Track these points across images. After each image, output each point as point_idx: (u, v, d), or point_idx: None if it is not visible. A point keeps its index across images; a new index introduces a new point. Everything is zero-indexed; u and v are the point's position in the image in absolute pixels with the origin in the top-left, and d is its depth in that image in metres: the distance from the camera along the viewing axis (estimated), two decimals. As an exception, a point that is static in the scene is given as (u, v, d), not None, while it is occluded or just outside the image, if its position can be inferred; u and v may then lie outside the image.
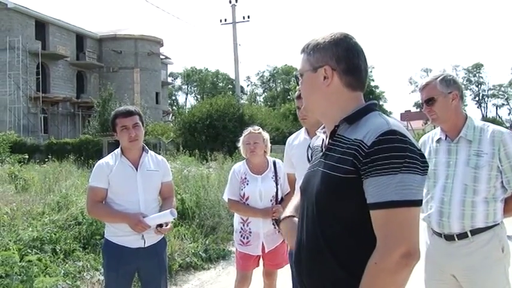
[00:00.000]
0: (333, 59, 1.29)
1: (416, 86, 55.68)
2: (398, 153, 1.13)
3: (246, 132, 3.19)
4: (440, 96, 2.17)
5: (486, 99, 59.25)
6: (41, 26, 30.24)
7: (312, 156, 1.47)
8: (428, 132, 2.54)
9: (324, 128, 1.39)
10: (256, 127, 3.25)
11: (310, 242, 1.28)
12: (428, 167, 1.20)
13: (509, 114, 58.94)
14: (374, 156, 1.14)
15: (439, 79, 2.20)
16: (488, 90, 58.92)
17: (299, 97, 2.74)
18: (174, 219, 2.71)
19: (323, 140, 1.38)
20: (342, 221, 1.21)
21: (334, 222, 1.22)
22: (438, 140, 2.27)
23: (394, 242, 1.11)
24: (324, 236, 1.24)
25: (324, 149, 1.34)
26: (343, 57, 1.29)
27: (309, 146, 2.30)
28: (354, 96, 1.31)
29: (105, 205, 2.64)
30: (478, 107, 57.80)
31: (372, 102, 1.33)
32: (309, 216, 1.29)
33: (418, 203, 1.14)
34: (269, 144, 3.21)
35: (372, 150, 1.15)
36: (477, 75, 57.53)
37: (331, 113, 1.31)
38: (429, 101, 2.19)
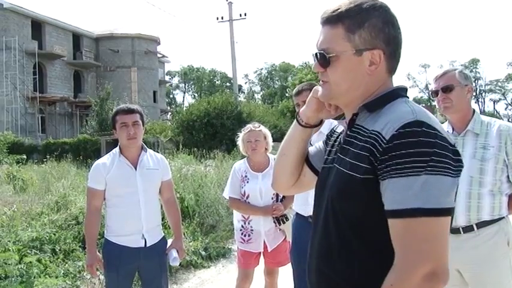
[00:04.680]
0: (385, 41, 1.05)
1: (415, 81, 55.87)
2: (423, 149, 0.92)
3: (246, 129, 3.16)
4: (458, 86, 2.20)
5: (483, 94, 59.50)
6: (38, 26, 30.12)
7: (326, 144, 1.27)
8: None
9: (343, 117, 1.18)
10: (257, 124, 3.22)
11: (322, 246, 1.11)
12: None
13: (506, 108, 59.28)
14: (393, 152, 0.93)
15: (457, 71, 2.25)
16: (485, 85, 59.14)
17: (299, 93, 2.70)
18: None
19: (343, 130, 1.17)
20: (360, 231, 1.02)
21: (349, 229, 1.03)
22: None
23: (416, 260, 0.90)
24: (337, 243, 1.06)
25: (341, 142, 1.13)
26: (394, 38, 1.07)
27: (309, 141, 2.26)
28: (389, 82, 1.10)
29: (95, 222, 2.67)
30: (475, 102, 58.13)
31: (400, 87, 1.10)
32: (321, 219, 1.12)
33: (446, 211, 0.92)
34: (270, 141, 3.19)
35: (390, 146, 0.94)
36: (474, 70, 57.74)
37: (360, 101, 1.09)
38: (447, 89, 2.21)
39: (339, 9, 1.06)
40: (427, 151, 0.92)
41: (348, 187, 1.02)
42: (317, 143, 1.35)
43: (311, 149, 1.32)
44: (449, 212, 0.94)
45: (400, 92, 1.08)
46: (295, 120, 1.28)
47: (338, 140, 1.18)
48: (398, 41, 1.08)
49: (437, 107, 2.34)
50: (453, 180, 0.95)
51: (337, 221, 1.05)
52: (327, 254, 1.09)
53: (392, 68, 1.10)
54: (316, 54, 1.10)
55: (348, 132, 1.10)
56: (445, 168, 0.93)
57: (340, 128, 1.21)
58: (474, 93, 59.76)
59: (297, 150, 1.28)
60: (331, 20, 1.07)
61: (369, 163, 0.98)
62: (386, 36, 1.06)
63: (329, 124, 1.30)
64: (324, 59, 1.08)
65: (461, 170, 0.98)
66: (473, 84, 2.38)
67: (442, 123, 2.41)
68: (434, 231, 0.92)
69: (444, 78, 2.23)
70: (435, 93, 2.27)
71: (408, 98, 1.09)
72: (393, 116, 0.99)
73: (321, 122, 1.27)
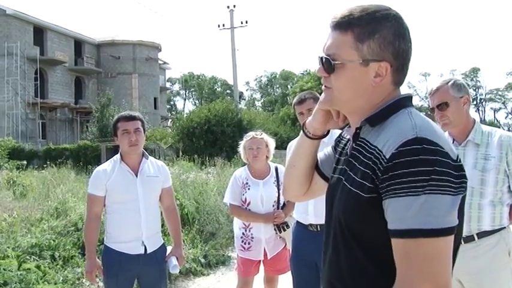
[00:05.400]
0: (394, 54, 1.03)
1: (415, 90, 56.04)
2: (422, 168, 0.91)
3: (248, 137, 3.17)
4: (453, 101, 2.16)
5: (484, 103, 59.60)
6: (39, 32, 30.30)
7: (335, 150, 1.26)
8: None
9: (348, 125, 1.17)
10: (259, 132, 3.23)
11: (332, 261, 1.11)
12: (465, 183, 0.97)
13: (506, 117, 59.39)
14: (393, 172, 0.92)
15: (450, 83, 2.18)
16: (485, 94, 59.28)
17: (302, 102, 2.69)
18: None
19: (349, 139, 1.16)
20: (368, 249, 1.01)
21: (357, 246, 1.02)
22: None
23: (415, 281, 0.90)
24: (346, 260, 1.05)
25: (348, 153, 1.11)
26: (403, 52, 1.04)
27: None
28: (395, 93, 1.08)
29: (95, 229, 2.67)
30: (476, 111, 58.13)
31: (404, 96, 1.08)
32: (331, 234, 1.11)
33: (446, 231, 0.91)
34: (272, 149, 3.19)
35: (390, 165, 0.93)
36: (474, 79, 57.95)
37: (365, 112, 1.07)
38: (442, 106, 2.17)
39: (350, 15, 1.03)
40: (427, 170, 0.91)
41: (354, 205, 1.01)
42: (325, 148, 1.33)
43: (320, 156, 1.30)
44: (450, 231, 0.92)
45: (404, 103, 1.06)
46: (301, 132, 1.27)
47: (346, 148, 1.17)
48: (407, 54, 1.05)
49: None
50: (453, 198, 0.93)
51: (345, 239, 1.05)
52: (338, 269, 1.08)
53: (398, 80, 1.07)
54: (321, 58, 1.07)
55: (354, 146, 1.09)
56: (446, 187, 0.91)
57: (348, 136, 1.19)
58: (474, 102, 59.54)
59: (306, 162, 1.28)
60: (342, 25, 1.04)
61: (372, 182, 0.97)
62: (396, 50, 1.03)
63: (330, 133, 1.35)
64: (329, 65, 1.06)
65: (464, 185, 0.97)
66: (473, 92, 2.35)
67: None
68: (434, 252, 0.91)
69: (438, 95, 2.19)
70: (432, 110, 2.25)
71: (413, 106, 1.07)
72: (394, 132, 0.97)
73: (327, 133, 1.25)
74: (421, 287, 0.90)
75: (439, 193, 0.90)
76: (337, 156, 1.20)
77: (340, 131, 1.29)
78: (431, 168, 0.91)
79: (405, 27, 1.05)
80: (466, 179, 0.97)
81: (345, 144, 1.18)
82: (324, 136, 1.25)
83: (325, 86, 1.11)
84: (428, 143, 0.92)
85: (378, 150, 0.98)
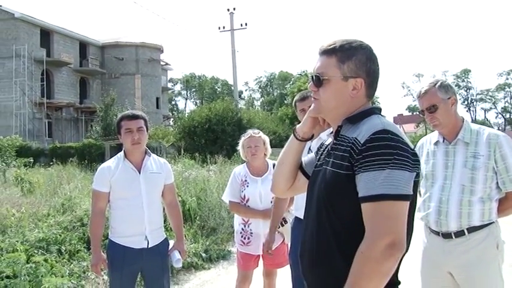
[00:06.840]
0: (366, 72, 1.35)
1: (409, 90, 55.74)
2: (388, 150, 1.20)
3: (246, 135, 3.23)
4: (442, 103, 2.22)
5: (475, 103, 59.24)
6: (46, 35, 30.49)
7: (317, 154, 1.52)
8: (420, 134, 2.62)
9: (331, 132, 1.44)
10: (256, 130, 3.28)
11: (314, 237, 1.34)
12: (419, 165, 1.26)
13: (496, 117, 59.17)
14: (365, 153, 1.21)
15: (437, 85, 2.24)
16: (476, 95, 58.93)
17: (304, 99, 2.72)
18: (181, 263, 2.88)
19: (331, 142, 1.43)
20: (342, 217, 1.27)
21: (335, 219, 1.28)
22: (436, 143, 2.34)
23: (380, 233, 1.16)
24: (326, 232, 1.30)
25: (329, 149, 1.40)
26: (373, 72, 1.37)
27: (309, 147, 2.33)
28: (367, 104, 1.39)
29: (99, 223, 2.72)
30: (467, 111, 57.82)
31: (375, 106, 1.40)
32: (312, 213, 1.36)
33: (404, 197, 1.19)
34: (269, 147, 3.25)
35: (364, 148, 1.22)
36: (465, 80, 57.64)
37: (342, 118, 1.37)
38: (431, 109, 2.23)
39: (334, 44, 1.36)
40: (391, 151, 1.20)
41: (334, 182, 1.28)
42: (309, 154, 1.62)
43: (305, 159, 1.59)
44: (407, 197, 1.20)
45: (375, 110, 1.37)
46: (292, 135, 1.56)
47: (326, 149, 1.45)
48: (376, 74, 1.38)
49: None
50: (410, 174, 1.22)
51: (328, 212, 1.30)
52: (318, 243, 1.33)
53: (370, 94, 1.39)
54: (312, 76, 1.39)
55: (334, 141, 1.37)
56: (404, 165, 1.20)
57: (328, 141, 1.47)
58: (466, 103, 58.28)
59: (293, 160, 1.57)
60: (328, 51, 1.37)
61: (348, 161, 1.26)
62: (368, 69, 1.35)
63: (327, 132, 1.62)
64: (318, 81, 1.37)
65: (418, 167, 1.25)
66: (465, 92, 2.41)
67: (433, 131, 2.50)
68: (395, 211, 1.19)
69: (427, 98, 2.24)
70: (422, 112, 2.31)
71: (381, 115, 1.35)
72: (367, 126, 1.27)
73: (312, 136, 1.55)
74: (384, 238, 1.16)
75: (399, 169, 1.19)
76: (318, 157, 1.49)
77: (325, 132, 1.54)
78: (394, 150, 1.21)
79: (374, 55, 1.38)
80: (419, 162, 1.26)
81: (325, 148, 1.47)
82: (309, 139, 1.55)
83: (314, 98, 1.42)
84: (392, 134, 1.23)
85: (354, 139, 1.27)
